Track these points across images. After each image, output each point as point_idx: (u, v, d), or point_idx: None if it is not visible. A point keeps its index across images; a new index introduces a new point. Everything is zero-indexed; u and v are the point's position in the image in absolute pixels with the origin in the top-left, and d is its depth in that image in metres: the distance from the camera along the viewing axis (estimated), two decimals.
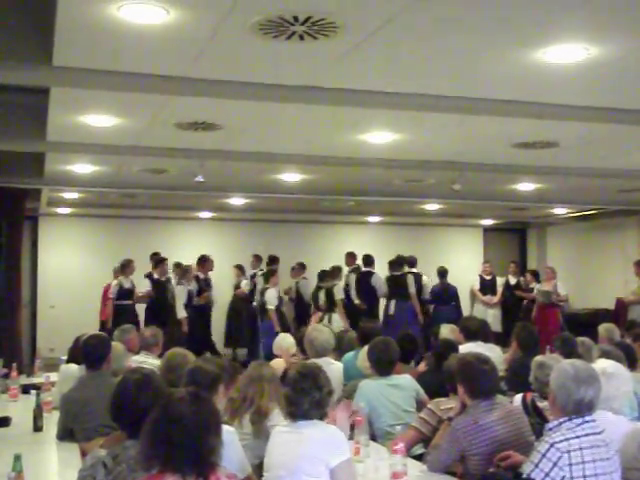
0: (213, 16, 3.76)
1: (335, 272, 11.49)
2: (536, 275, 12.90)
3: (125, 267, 10.90)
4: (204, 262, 11.50)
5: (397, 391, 4.86)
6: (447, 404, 4.31)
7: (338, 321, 10.45)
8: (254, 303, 11.91)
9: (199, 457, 2.38)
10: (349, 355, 6.21)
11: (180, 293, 10.65)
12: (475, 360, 3.97)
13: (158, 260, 11.09)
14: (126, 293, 10.76)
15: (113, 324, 9.50)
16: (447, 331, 7.00)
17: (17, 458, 3.22)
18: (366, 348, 5.53)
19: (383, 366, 4.98)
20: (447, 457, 3.88)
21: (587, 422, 3.20)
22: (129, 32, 3.97)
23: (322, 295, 11.02)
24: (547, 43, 4.17)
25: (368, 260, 11.76)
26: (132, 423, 2.82)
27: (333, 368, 5.75)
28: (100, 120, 6.03)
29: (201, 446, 2.39)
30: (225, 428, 3.04)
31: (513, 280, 13.34)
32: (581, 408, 3.21)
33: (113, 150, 7.22)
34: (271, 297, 10.84)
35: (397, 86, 5.05)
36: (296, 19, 3.78)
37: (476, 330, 6.70)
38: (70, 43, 4.15)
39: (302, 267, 12.44)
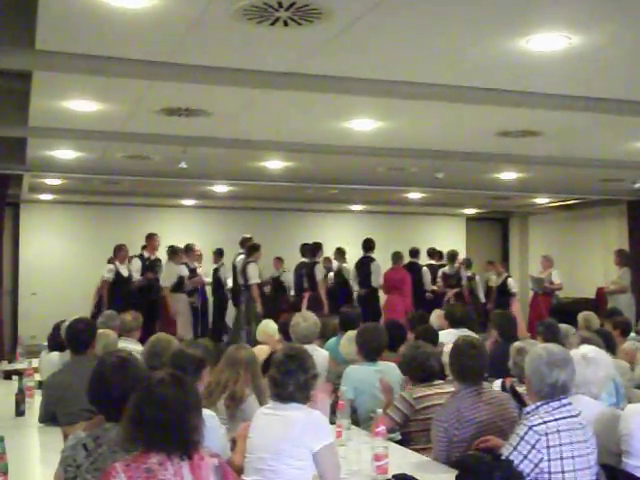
0: (198, 0, 3.76)
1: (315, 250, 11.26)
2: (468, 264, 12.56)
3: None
4: (149, 240, 11.06)
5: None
6: (420, 392, 4.33)
7: None
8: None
9: (182, 436, 2.45)
10: (332, 341, 6.24)
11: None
12: (465, 345, 4.00)
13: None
14: None
15: None
16: (434, 317, 7.02)
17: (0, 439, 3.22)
18: (348, 334, 5.55)
19: (370, 352, 5.00)
20: (444, 451, 3.89)
21: (564, 405, 3.25)
22: (113, 16, 3.95)
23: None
24: (530, 31, 4.20)
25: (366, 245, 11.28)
26: (109, 406, 2.82)
27: (319, 355, 5.76)
28: (83, 105, 6.00)
29: (184, 426, 2.45)
30: (206, 412, 3.06)
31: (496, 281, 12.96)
32: (555, 391, 3.25)
33: (96, 136, 7.18)
34: (253, 271, 10.29)
35: (380, 73, 5.06)
36: (280, 5, 3.78)
37: (461, 317, 6.68)
38: (53, 27, 4.13)
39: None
